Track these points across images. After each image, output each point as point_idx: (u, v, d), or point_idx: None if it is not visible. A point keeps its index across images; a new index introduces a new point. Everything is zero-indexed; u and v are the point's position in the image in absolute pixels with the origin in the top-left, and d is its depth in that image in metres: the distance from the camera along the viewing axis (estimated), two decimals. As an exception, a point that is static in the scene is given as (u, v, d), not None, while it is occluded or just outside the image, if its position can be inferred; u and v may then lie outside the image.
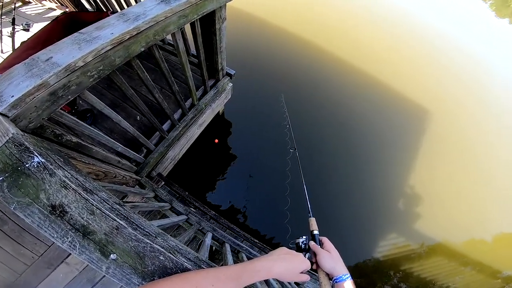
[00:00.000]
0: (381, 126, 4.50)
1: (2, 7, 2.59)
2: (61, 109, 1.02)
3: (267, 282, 1.62)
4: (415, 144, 4.43)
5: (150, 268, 0.63)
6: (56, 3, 2.69)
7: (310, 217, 0.92)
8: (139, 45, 1.01)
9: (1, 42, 2.57)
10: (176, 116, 2.21)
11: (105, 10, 2.43)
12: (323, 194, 3.57)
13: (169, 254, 0.65)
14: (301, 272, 0.66)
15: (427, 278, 3.55)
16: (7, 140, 0.73)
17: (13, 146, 0.73)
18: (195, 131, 2.56)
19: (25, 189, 0.66)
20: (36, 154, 0.74)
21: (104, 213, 0.68)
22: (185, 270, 0.64)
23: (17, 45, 2.00)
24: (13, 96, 0.75)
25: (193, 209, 2.41)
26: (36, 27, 2.76)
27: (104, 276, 1.69)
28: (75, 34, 0.82)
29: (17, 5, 2.92)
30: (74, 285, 1.94)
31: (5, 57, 1.79)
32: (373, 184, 3.89)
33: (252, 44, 5.12)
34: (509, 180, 4.38)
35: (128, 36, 0.91)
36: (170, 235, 2.35)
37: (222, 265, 1.69)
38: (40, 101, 0.81)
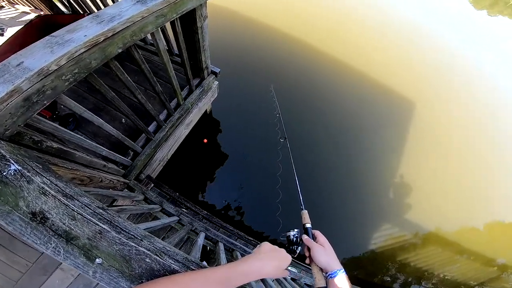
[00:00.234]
0: (369, 119, 4.56)
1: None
2: (41, 114, 1.00)
3: (263, 281, 1.63)
4: (403, 135, 4.50)
5: (137, 271, 0.63)
6: (30, 7, 2.60)
7: (302, 209, 0.90)
8: (116, 46, 0.99)
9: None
10: (162, 117, 2.19)
11: (81, 12, 2.37)
12: (314, 188, 3.60)
13: (155, 256, 0.65)
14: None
15: (424, 267, 3.60)
16: (-18, 149, 0.71)
17: (-12, 154, 0.71)
18: (182, 131, 2.54)
19: (4, 197, 0.66)
20: (13, 162, 0.73)
21: (86, 218, 0.68)
22: (172, 271, 0.64)
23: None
24: (-15, 103, 0.73)
25: (184, 210, 2.40)
26: (11, 31, 2.66)
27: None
28: (47, 37, 0.80)
29: (-11, 9, 2.81)
30: (71, 291, 1.94)
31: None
32: (364, 176, 3.94)
33: (237, 41, 5.09)
34: (498, 168, 4.51)
35: (103, 38, 0.89)
36: (163, 237, 2.35)
37: (216, 265, 1.70)
38: (15, 108, 0.79)
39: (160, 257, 0.66)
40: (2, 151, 0.73)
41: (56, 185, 0.73)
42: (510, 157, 4.67)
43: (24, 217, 0.65)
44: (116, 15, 0.95)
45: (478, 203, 4.11)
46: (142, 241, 0.70)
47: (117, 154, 1.70)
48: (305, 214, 0.87)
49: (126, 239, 0.67)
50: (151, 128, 2.12)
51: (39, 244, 0.65)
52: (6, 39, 1.76)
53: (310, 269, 0.73)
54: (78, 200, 0.72)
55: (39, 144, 1.07)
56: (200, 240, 1.78)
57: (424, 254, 3.66)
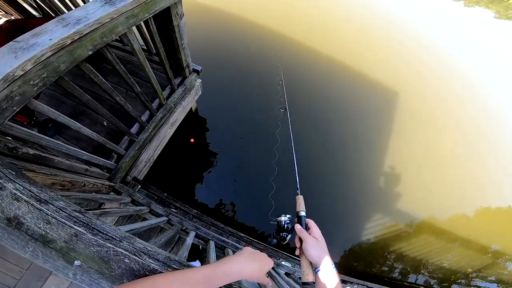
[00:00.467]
0: (358, 111, 4.61)
1: None
2: (17, 121, 0.98)
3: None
4: (393, 125, 4.54)
5: (117, 272, 0.65)
6: (0, 11, 2.51)
7: (298, 194, 0.83)
8: (85, 48, 0.99)
9: None
10: (144, 117, 2.18)
11: (53, 15, 2.30)
12: (306, 176, 3.64)
13: (134, 256, 0.67)
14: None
15: (420, 256, 3.64)
16: (-50, 158, 0.71)
17: (-41, 163, 0.71)
18: (167, 131, 2.53)
19: (-22, 204, 0.65)
20: (-17, 170, 0.72)
21: (60, 221, 0.68)
22: (152, 271, 0.65)
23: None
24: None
25: (173, 210, 2.40)
26: (-19, 37, 2.56)
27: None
28: (11, 43, 0.79)
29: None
30: (68, 296, 1.96)
31: None
32: (355, 166, 3.99)
33: (218, 37, 5.05)
34: (484, 154, 4.59)
35: (69, 41, 0.88)
36: (154, 237, 2.35)
37: (207, 263, 1.70)
38: (-17, 115, 0.79)
39: (139, 257, 0.67)
40: (-28, 160, 0.73)
41: (29, 190, 0.73)
42: (496, 144, 4.78)
43: (0, 223, 0.65)
44: (82, 18, 0.94)
45: (467, 190, 4.18)
46: (121, 242, 0.71)
47: (99, 158, 1.69)
48: (300, 199, 0.80)
49: (103, 241, 0.69)
50: (133, 129, 2.10)
51: (17, 249, 0.66)
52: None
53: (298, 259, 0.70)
54: (52, 205, 0.72)
55: (14, 151, 1.06)
56: (189, 239, 1.80)
57: (419, 243, 3.70)
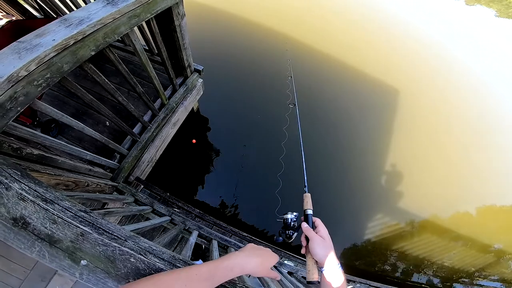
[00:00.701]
0: (362, 109, 4.59)
1: None
2: (20, 121, 0.99)
3: (259, 278, 1.63)
4: (396, 124, 4.52)
5: (123, 271, 0.65)
6: (2, 12, 2.52)
7: (306, 192, 0.81)
8: (88, 49, 0.99)
9: None
10: (147, 117, 2.18)
11: (54, 16, 2.31)
12: (311, 175, 3.62)
13: (139, 255, 0.67)
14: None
15: (422, 255, 3.63)
16: (-43, 159, 0.71)
17: (-35, 163, 0.72)
18: (169, 131, 2.53)
19: (-16, 204, 0.66)
20: (-11, 170, 0.73)
21: (66, 221, 0.69)
22: (158, 270, 0.65)
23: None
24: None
25: (176, 210, 2.40)
26: (-17, 39, 2.57)
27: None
28: (14, 43, 0.79)
29: (-42, 16, 2.70)
30: (72, 296, 1.97)
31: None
32: (356, 165, 3.99)
33: (221, 37, 5.04)
34: (486, 152, 4.57)
35: (73, 41, 0.89)
36: (157, 237, 2.36)
37: None
38: (-13, 116, 0.79)
39: (144, 256, 0.67)
40: (-22, 160, 0.73)
41: (35, 190, 0.73)
42: (499, 141, 4.76)
43: (6, 223, 0.66)
44: (85, 18, 0.94)
45: (470, 188, 4.18)
46: (126, 241, 0.71)
47: (102, 158, 1.69)
48: (308, 197, 0.79)
49: (109, 240, 0.69)
50: (136, 129, 2.10)
51: (24, 249, 0.67)
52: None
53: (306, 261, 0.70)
54: (58, 204, 0.73)
55: (18, 152, 1.07)
56: (193, 238, 1.80)
57: (422, 242, 3.69)
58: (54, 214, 0.68)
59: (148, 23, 1.51)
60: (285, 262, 2.45)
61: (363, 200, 3.77)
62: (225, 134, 3.89)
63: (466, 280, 3.68)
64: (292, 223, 0.78)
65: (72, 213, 0.72)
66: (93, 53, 1.02)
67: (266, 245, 2.59)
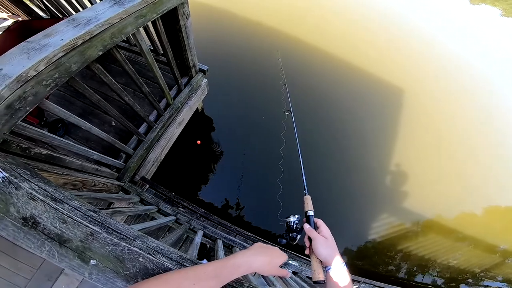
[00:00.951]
0: (364, 109, 4.56)
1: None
2: (28, 121, 1.00)
3: (263, 276, 1.62)
4: (398, 124, 4.49)
5: (132, 271, 0.65)
6: (7, 13, 2.55)
7: (306, 194, 0.84)
8: (95, 49, 0.99)
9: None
10: (152, 117, 2.19)
11: (60, 16, 2.33)
12: (312, 176, 3.61)
13: (148, 255, 0.67)
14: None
15: (427, 255, 3.58)
16: (-32, 158, 0.72)
17: (-24, 164, 0.72)
18: (174, 131, 2.53)
19: (-6, 204, 0.66)
20: (0, 170, 0.73)
21: (76, 220, 0.69)
22: (166, 269, 0.65)
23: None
24: (-32, 113, 0.74)
25: (181, 209, 2.41)
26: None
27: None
28: (22, 43, 0.80)
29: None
30: (78, 296, 1.98)
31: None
32: (362, 165, 3.95)
33: (224, 37, 5.05)
34: (491, 152, 4.51)
35: (80, 41, 0.89)
36: (162, 237, 2.36)
37: None
38: (-3, 116, 0.79)
39: (153, 256, 0.67)
40: (-12, 160, 0.73)
41: (44, 190, 0.74)
42: (506, 142, 4.69)
43: (16, 223, 0.66)
44: (92, 18, 0.94)
45: (476, 188, 4.11)
46: (135, 241, 0.71)
47: (108, 157, 1.70)
48: (308, 200, 0.81)
49: (118, 240, 0.69)
50: (141, 129, 2.11)
51: (34, 248, 0.67)
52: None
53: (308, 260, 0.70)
54: (68, 204, 0.73)
55: (27, 151, 1.07)
56: (198, 238, 1.80)
57: (427, 242, 3.65)
58: (64, 214, 0.68)
59: (154, 23, 1.51)
60: (290, 262, 2.44)
61: (367, 200, 3.73)
62: (228, 134, 3.89)
63: (472, 281, 3.63)
64: (295, 226, 0.79)
65: (82, 212, 0.72)
66: (100, 53, 1.03)
67: (273, 245, 2.58)
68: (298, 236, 0.79)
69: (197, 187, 3.42)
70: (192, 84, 2.50)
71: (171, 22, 1.73)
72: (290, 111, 1.68)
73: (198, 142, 3.58)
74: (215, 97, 3.67)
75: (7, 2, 2.57)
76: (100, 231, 0.69)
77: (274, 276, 1.80)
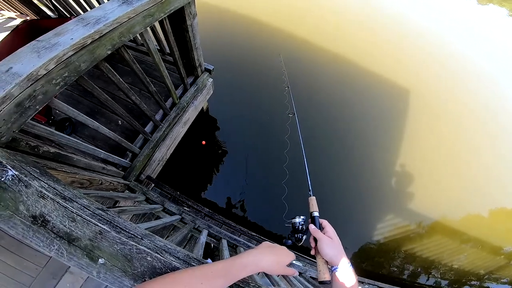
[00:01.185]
0: (368, 109, 4.53)
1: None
2: (36, 120, 1.00)
3: (268, 277, 1.62)
4: (403, 125, 4.45)
5: (139, 270, 0.64)
6: (16, 12, 2.57)
7: (310, 195, 0.84)
8: (104, 48, 0.99)
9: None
10: (158, 116, 2.19)
11: (68, 16, 2.35)
12: (317, 176, 3.59)
13: (156, 254, 0.66)
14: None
15: (431, 257, 3.56)
16: (-22, 156, 0.72)
17: (-15, 161, 0.72)
18: (179, 130, 2.54)
19: (4, 202, 0.67)
20: (9, 168, 0.73)
21: (85, 219, 0.69)
22: (174, 269, 0.65)
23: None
24: (-22, 111, 0.74)
25: (186, 208, 2.41)
26: (-2, 37, 2.64)
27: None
28: (33, 42, 0.80)
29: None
30: (82, 294, 1.98)
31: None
32: (366, 166, 3.93)
33: (230, 37, 5.05)
34: (498, 154, 4.45)
35: (90, 40, 0.89)
36: (167, 236, 2.37)
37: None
38: (8, 114, 0.80)
39: (161, 255, 0.67)
40: (-2, 158, 0.74)
41: (54, 188, 0.74)
42: (509, 143, 4.63)
43: (25, 221, 0.66)
44: (101, 17, 0.95)
45: (481, 190, 4.07)
46: (143, 240, 0.71)
47: (115, 156, 1.71)
48: (313, 200, 0.82)
49: (126, 239, 0.69)
50: (148, 128, 2.12)
51: (43, 247, 0.66)
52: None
53: (315, 262, 0.70)
54: (77, 202, 0.73)
55: (36, 149, 1.08)
56: (203, 237, 1.80)
57: (431, 244, 3.62)
58: (73, 212, 0.68)
59: (161, 22, 1.51)
60: (294, 262, 2.43)
61: (371, 201, 3.71)
62: (232, 134, 3.89)
63: (476, 282, 3.59)
64: (300, 227, 0.79)
65: (91, 211, 0.72)
66: (109, 52, 1.03)
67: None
68: (304, 237, 0.79)
69: (201, 187, 3.43)
70: (198, 83, 2.50)
71: (178, 21, 1.73)
72: (294, 114, 1.68)
73: (203, 142, 3.59)
74: (220, 97, 3.68)
75: (15, 1, 2.60)
76: (109, 229, 0.69)
77: (278, 276, 1.80)
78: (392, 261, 3.53)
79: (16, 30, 1.77)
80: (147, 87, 1.66)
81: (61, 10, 2.39)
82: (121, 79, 1.36)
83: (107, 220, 0.72)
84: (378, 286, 2.81)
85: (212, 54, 4.13)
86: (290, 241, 0.84)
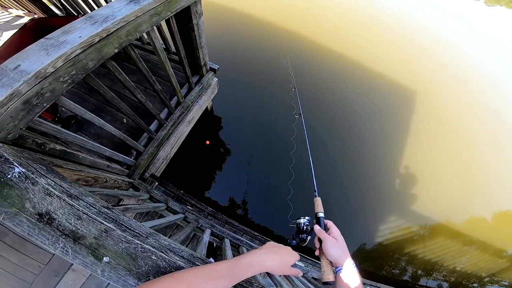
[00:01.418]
0: (372, 110, 4.50)
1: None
2: (42, 117, 1.01)
3: (270, 276, 1.62)
4: (407, 126, 4.43)
5: (144, 269, 0.64)
6: (24, 10, 2.60)
7: (316, 196, 0.85)
8: (111, 46, 1.00)
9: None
10: (163, 115, 2.20)
11: (75, 14, 2.37)
12: (319, 177, 3.56)
13: (160, 253, 0.66)
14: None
15: (433, 259, 3.54)
16: (-15, 153, 0.72)
17: (-7, 158, 0.73)
18: (184, 129, 2.54)
19: (10, 199, 0.67)
20: (16, 165, 0.74)
21: (91, 217, 0.69)
22: (178, 268, 0.65)
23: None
24: (-14, 108, 0.74)
25: (189, 207, 2.42)
26: (6, 35, 2.68)
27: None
28: (42, 40, 0.80)
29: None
30: (84, 292, 1.98)
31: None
32: (370, 167, 3.91)
33: (234, 36, 5.05)
34: (500, 155, 4.41)
35: (98, 39, 0.89)
36: (170, 235, 2.37)
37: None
38: (15, 111, 0.80)
39: (165, 254, 0.67)
40: (6, 155, 0.74)
41: (60, 186, 0.74)
42: None
43: (31, 218, 0.66)
44: (109, 16, 0.95)
45: (482, 192, 4.04)
46: (148, 238, 0.71)
47: (120, 154, 1.72)
48: (318, 201, 0.82)
49: (132, 237, 0.68)
50: (152, 127, 2.13)
51: (48, 245, 0.66)
52: (1, 43, 1.77)
53: (317, 263, 0.70)
54: (83, 200, 0.73)
55: (42, 147, 1.09)
56: (206, 236, 1.80)
57: (433, 246, 3.60)
58: (79, 210, 0.68)
59: (167, 21, 1.51)
60: (296, 262, 2.42)
61: (374, 202, 3.69)
62: (236, 134, 3.89)
63: (477, 285, 3.56)
64: (305, 227, 0.79)
65: (96, 209, 0.72)
66: (116, 50, 1.03)
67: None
68: (309, 238, 0.79)
69: (204, 186, 3.43)
70: (202, 82, 2.50)
71: (184, 20, 1.73)
72: (300, 114, 1.68)
73: (207, 142, 3.59)
74: (224, 97, 3.68)
75: (23, 0, 2.63)
76: (114, 228, 0.69)
77: (280, 276, 1.79)
78: (393, 263, 3.51)
79: (24, 28, 1.78)
80: (153, 85, 1.67)
81: (68, 9, 2.41)
82: (127, 78, 1.36)
83: (113, 219, 0.72)
84: (379, 288, 2.79)
85: (217, 54, 4.14)
86: (294, 241, 0.84)
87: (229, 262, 0.57)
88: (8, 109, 0.78)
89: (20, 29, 1.79)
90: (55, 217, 0.67)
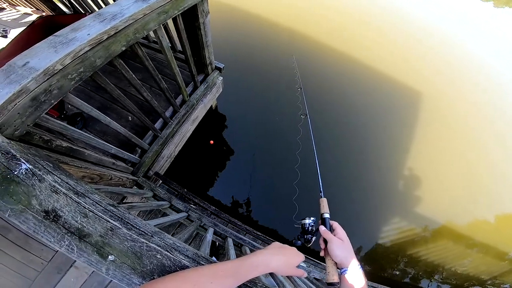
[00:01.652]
0: (377, 110, 4.47)
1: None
2: (49, 114, 1.01)
3: (273, 276, 1.61)
4: (411, 127, 4.40)
5: (148, 267, 0.64)
6: (32, 8, 2.62)
7: (321, 197, 0.84)
8: (119, 44, 1.00)
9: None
10: (168, 113, 2.20)
11: (83, 12, 2.38)
12: (324, 177, 3.55)
13: (166, 252, 0.66)
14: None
15: (435, 261, 3.52)
16: (-7, 149, 0.72)
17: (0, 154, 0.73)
18: (188, 128, 2.55)
19: (16, 196, 0.66)
20: (23, 161, 0.73)
21: (97, 215, 0.68)
22: (183, 267, 0.64)
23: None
24: (-6, 104, 0.74)
25: (193, 206, 2.42)
26: (14, 33, 2.70)
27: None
28: (50, 37, 0.81)
29: (-9, 11, 2.85)
30: (86, 289, 1.98)
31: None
32: (374, 167, 3.89)
33: (239, 36, 5.05)
34: (504, 157, 4.35)
35: (106, 36, 0.89)
36: (173, 233, 2.38)
37: (226, 260, 1.67)
38: (23, 108, 0.80)
39: (170, 253, 0.66)
40: (13, 151, 0.74)
41: (67, 183, 0.74)
42: None
43: (38, 216, 0.65)
44: (117, 13, 0.95)
45: (486, 194, 4.00)
46: (153, 237, 0.70)
47: (125, 152, 1.72)
48: (324, 202, 0.82)
49: (137, 236, 0.68)
50: (157, 125, 2.13)
51: (53, 242, 0.66)
52: (9, 40, 1.78)
53: (319, 264, 0.70)
54: (89, 198, 0.72)
55: (49, 143, 1.09)
56: (209, 235, 1.80)
57: (436, 248, 3.58)
58: (85, 208, 0.68)
59: (174, 20, 1.51)
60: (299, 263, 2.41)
61: (378, 203, 3.67)
62: (240, 133, 3.88)
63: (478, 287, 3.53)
64: (310, 228, 0.79)
65: (102, 207, 0.71)
66: (123, 48, 1.03)
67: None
68: (313, 238, 0.79)
69: (208, 185, 3.43)
70: (208, 81, 2.50)
71: (191, 19, 1.73)
72: (306, 115, 1.67)
73: (211, 142, 3.59)
74: (229, 96, 3.68)
75: (32, -2, 2.66)
76: (120, 226, 0.68)
77: (282, 276, 1.78)
78: (395, 264, 3.50)
79: (32, 25, 1.80)
80: (158, 84, 1.67)
81: (76, 6, 2.42)
82: (133, 76, 1.36)
83: (118, 217, 0.71)
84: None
85: (222, 53, 4.14)
86: (299, 242, 0.84)
87: (235, 262, 0.57)
88: (16, 105, 0.78)
89: (28, 26, 1.81)
90: (61, 214, 0.67)
